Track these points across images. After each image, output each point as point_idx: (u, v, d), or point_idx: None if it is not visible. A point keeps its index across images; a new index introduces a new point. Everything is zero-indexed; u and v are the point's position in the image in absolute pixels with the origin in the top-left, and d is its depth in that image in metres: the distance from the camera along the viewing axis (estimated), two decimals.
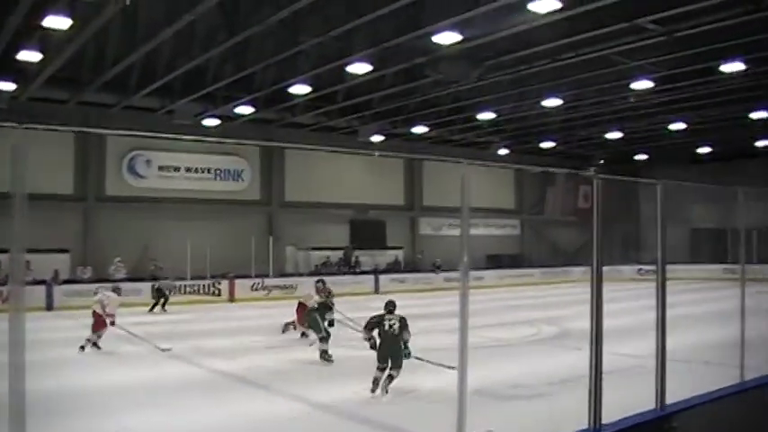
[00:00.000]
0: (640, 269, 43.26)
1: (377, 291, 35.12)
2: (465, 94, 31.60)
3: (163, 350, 16.00)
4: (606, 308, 6.46)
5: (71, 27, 19.04)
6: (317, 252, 38.16)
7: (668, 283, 7.28)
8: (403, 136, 38.72)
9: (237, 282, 32.37)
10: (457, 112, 34.82)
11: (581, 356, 6.62)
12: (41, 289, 27.17)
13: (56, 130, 30.36)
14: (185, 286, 30.18)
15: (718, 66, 25.37)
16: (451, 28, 20.40)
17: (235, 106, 30.25)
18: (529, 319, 22.45)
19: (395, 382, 11.18)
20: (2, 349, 4.64)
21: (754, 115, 34.34)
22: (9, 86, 25.68)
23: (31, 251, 21.79)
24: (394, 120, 35.43)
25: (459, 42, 21.62)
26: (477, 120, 35.73)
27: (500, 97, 31.65)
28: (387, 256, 41.37)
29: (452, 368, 13.76)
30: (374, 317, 11.62)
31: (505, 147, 43.06)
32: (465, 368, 5.98)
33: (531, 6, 18.32)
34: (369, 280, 36.32)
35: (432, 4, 19.35)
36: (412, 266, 41.70)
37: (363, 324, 11.85)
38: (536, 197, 51.30)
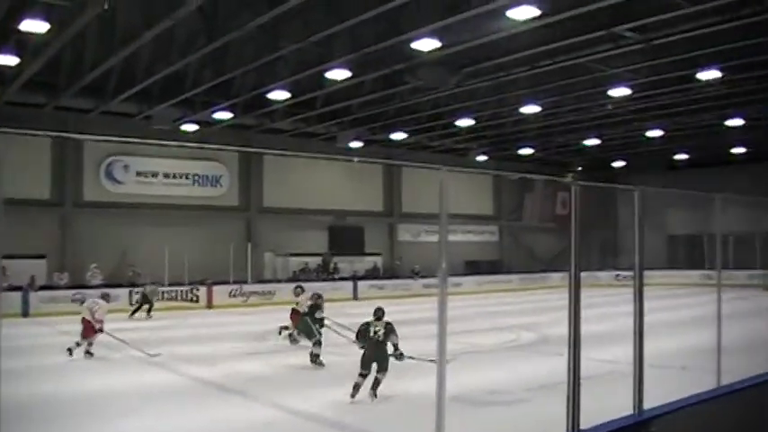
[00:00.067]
0: (618, 275, 43.47)
1: (355, 297, 35.09)
2: (444, 101, 31.70)
3: (152, 356, 16.01)
4: (584, 314, 6.49)
5: (48, 31, 18.95)
6: (296, 258, 38.06)
7: (646, 288, 7.32)
8: (382, 142, 38.75)
9: (216, 288, 32.25)
10: (436, 119, 34.89)
11: (559, 362, 6.64)
12: (17, 295, 26.90)
13: (33, 135, 30.10)
14: (163, 293, 30.00)
15: (695, 73, 25.62)
16: (431, 35, 20.47)
17: (213, 112, 30.16)
18: (507, 326, 22.50)
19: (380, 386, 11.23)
20: None
21: (730, 122, 34.68)
22: None
23: (7, 257, 21.72)
24: (373, 126, 35.45)
25: (438, 49, 21.70)
26: (455, 126, 35.82)
27: (479, 104, 31.80)
28: (365, 263, 41.33)
29: (447, 361, 13.86)
30: (363, 324, 11.67)
31: (484, 153, 43.14)
32: (443, 374, 5.98)
33: (509, 14, 18.40)
34: (347, 286, 36.27)
35: (411, 10, 19.36)
36: (390, 273, 41.68)
37: (352, 330, 11.89)
38: (514, 203, 51.45)
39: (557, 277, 41.17)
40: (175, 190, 35.30)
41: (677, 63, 24.66)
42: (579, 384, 6.36)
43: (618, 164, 49.40)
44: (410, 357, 11.66)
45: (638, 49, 22.60)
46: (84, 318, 16.55)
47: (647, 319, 7.20)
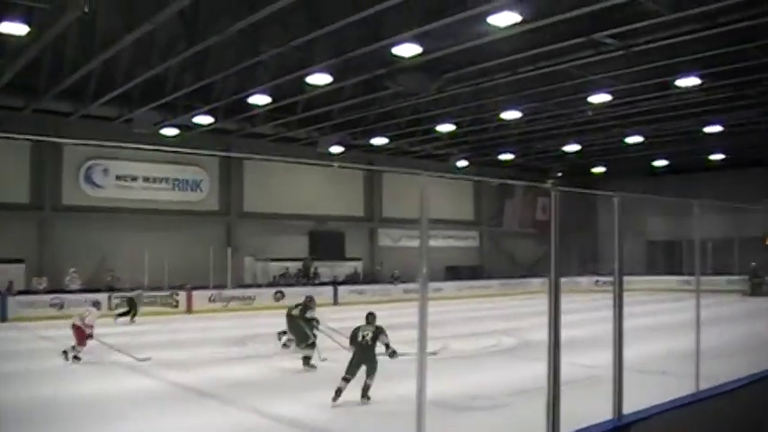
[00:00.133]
0: (597, 280, 43.70)
1: (336, 302, 35.03)
2: (424, 106, 31.73)
3: (141, 360, 16.00)
4: (564, 319, 6.50)
5: (28, 34, 18.85)
6: (276, 263, 37.97)
7: (625, 294, 7.35)
8: (362, 147, 38.76)
9: (195, 293, 32.10)
10: (416, 124, 34.95)
11: (539, 367, 6.65)
12: None
13: (11, 138, 29.92)
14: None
15: (674, 80, 25.82)
16: (411, 40, 20.51)
17: (194, 116, 30.05)
18: (488, 331, 22.53)
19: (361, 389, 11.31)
20: None
21: (709, 129, 34.95)
22: None
23: None
24: (353, 131, 35.45)
25: (419, 54, 21.73)
26: (436, 132, 35.90)
27: (459, 109, 31.90)
28: (346, 268, 41.25)
29: (434, 353, 13.94)
30: (354, 329, 11.79)
31: (464, 159, 43.26)
32: (424, 380, 5.97)
33: (490, 20, 18.47)
34: (328, 291, 36.20)
35: (392, 16, 19.39)
36: (371, 278, 41.65)
37: (343, 335, 11.95)
38: (495, 209, 51.55)
39: (537, 282, 41.30)
40: (155, 194, 35.16)
41: (657, 70, 24.86)
42: (559, 389, 6.38)
43: (598, 170, 49.62)
44: (403, 354, 11.68)
45: (619, 56, 22.72)
46: (73, 324, 16.61)
47: (626, 324, 7.23)
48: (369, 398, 11.36)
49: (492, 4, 17.42)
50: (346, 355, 11.82)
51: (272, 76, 25.06)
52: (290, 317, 17.12)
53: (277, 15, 18.77)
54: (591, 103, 29.86)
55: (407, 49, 21.32)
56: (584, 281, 44.46)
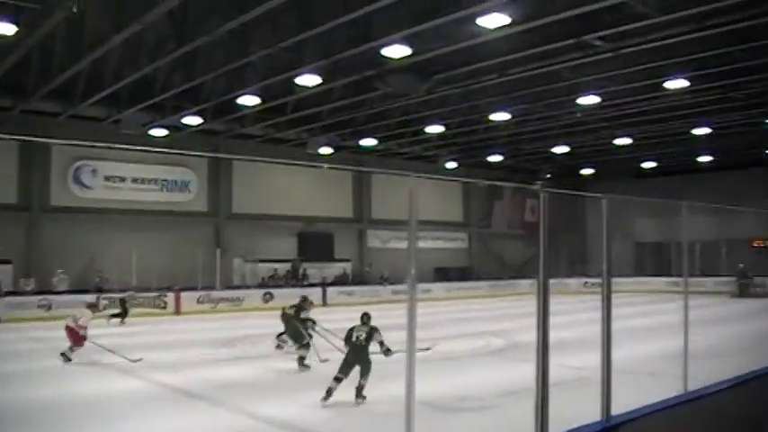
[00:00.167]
0: (586, 282, 43.79)
1: (324, 303, 34.97)
2: (414, 108, 31.74)
3: (133, 361, 16.02)
4: (553, 320, 6.50)
5: (16, 33, 18.78)
6: (265, 264, 37.91)
7: (614, 295, 7.36)
8: (352, 148, 38.74)
9: (184, 294, 32.01)
10: (405, 126, 34.96)
11: (528, 368, 6.66)
12: None
13: None
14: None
15: (663, 82, 25.88)
16: (401, 41, 20.51)
17: (182, 116, 29.99)
18: (477, 332, 22.52)
19: (350, 388, 11.31)
20: None
21: (697, 131, 35.09)
22: None
23: None
24: (343, 132, 35.44)
25: (408, 56, 21.74)
26: (425, 133, 35.90)
27: (449, 111, 31.91)
28: (334, 269, 41.24)
29: (428, 349, 13.90)
30: (349, 329, 11.88)
31: (454, 160, 43.27)
32: (413, 381, 5.97)
33: (480, 21, 18.49)
34: (316, 293, 36.04)
35: (382, 17, 19.38)
36: (360, 279, 41.64)
37: (338, 336, 12.00)
38: (484, 210, 51.60)
39: (526, 284, 41.31)
40: (144, 195, 35.05)
41: (646, 72, 24.93)
42: (548, 390, 6.38)
43: (587, 171, 49.77)
44: (399, 351, 11.70)
45: (608, 58, 22.78)
46: (67, 325, 16.67)
47: (614, 325, 7.24)
48: (364, 397, 11.39)
49: (481, 5, 17.43)
50: (341, 357, 11.82)
51: (261, 76, 25.01)
52: (285, 317, 17.16)
53: (266, 16, 18.74)
54: (580, 105, 29.94)
55: (397, 51, 21.33)
56: (573, 282, 44.53)
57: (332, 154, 37.42)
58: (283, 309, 17.69)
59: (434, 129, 34.69)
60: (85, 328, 16.60)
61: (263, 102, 28.07)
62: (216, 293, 33.38)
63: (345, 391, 11.35)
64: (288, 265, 38.73)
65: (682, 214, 9.52)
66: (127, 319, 26.44)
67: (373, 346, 11.54)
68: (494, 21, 18.42)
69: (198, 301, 32.38)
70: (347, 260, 42.53)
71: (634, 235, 47.81)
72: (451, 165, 43.62)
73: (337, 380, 11.35)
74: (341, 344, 12.45)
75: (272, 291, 34.92)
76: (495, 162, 44.28)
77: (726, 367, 10.09)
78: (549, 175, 48.44)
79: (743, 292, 38.67)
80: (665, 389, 8.47)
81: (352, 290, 38.18)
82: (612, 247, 7.60)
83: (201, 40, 20.20)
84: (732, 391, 8.98)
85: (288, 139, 36.28)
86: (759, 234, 39.21)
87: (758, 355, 11.21)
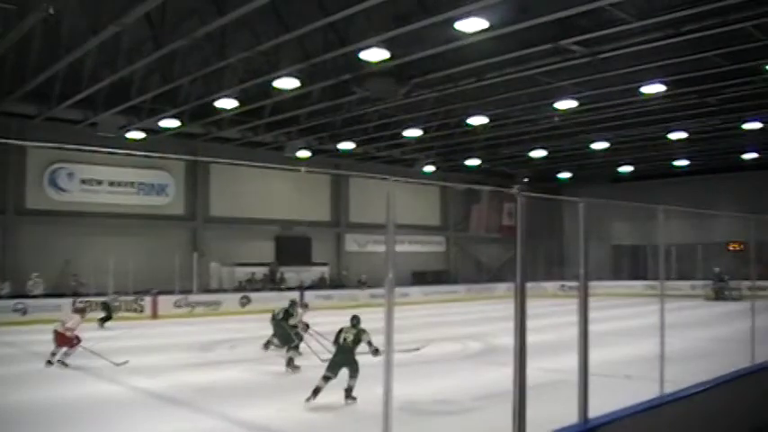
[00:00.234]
0: (563, 285, 43.95)
1: (302, 307, 34.83)
2: (391, 111, 31.77)
3: (118, 364, 15.95)
4: (531, 324, 6.52)
5: None
6: (242, 268, 37.78)
7: (591, 299, 7.39)
8: (329, 152, 38.72)
9: (161, 298, 31.80)
10: (383, 129, 34.97)
11: (506, 372, 6.68)
12: None
13: None
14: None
15: (639, 87, 26.04)
16: (379, 45, 20.51)
17: (160, 119, 29.88)
18: (454, 336, 22.55)
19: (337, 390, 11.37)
20: None
21: (673, 136, 35.33)
22: None
23: None
24: (320, 135, 35.47)
25: (386, 59, 21.74)
26: (403, 137, 35.91)
27: (426, 115, 31.96)
28: (312, 273, 41.15)
29: (417, 349, 13.85)
30: (339, 330, 11.97)
31: (431, 164, 43.31)
32: (390, 385, 5.97)
33: (457, 26, 18.52)
34: (294, 296, 35.97)
35: (360, 21, 19.41)
36: (337, 283, 41.58)
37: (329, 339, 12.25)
38: (461, 214, 51.72)
39: (503, 287, 41.44)
40: (121, 198, 34.82)
41: (622, 77, 25.08)
42: (525, 393, 6.40)
43: (564, 175, 50.01)
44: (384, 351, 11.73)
45: (585, 63, 22.89)
46: (55, 330, 16.59)
47: (591, 328, 7.27)
48: (354, 398, 11.45)
49: (459, 10, 17.47)
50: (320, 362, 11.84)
51: (239, 79, 24.98)
52: (274, 321, 17.22)
53: (244, 19, 18.74)
54: (557, 109, 30.06)
55: (375, 54, 21.32)
56: (550, 286, 44.65)
57: (310, 157, 37.41)
58: (273, 312, 17.71)
59: (412, 132, 34.70)
60: (73, 330, 16.52)
61: (241, 105, 27.99)
62: (193, 297, 33.21)
63: (336, 393, 11.40)
64: (265, 269, 38.63)
65: (658, 218, 9.56)
66: (104, 324, 26.27)
67: (363, 347, 11.56)
68: (472, 25, 18.46)
69: (175, 305, 32.17)
70: (325, 264, 42.45)
71: (611, 238, 48.08)
72: (429, 168, 43.65)
73: (326, 378, 11.43)
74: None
75: (249, 295, 34.84)
76: (472, 166, 44.38)
77: (701, 370, 10.17)
78: (526, 179, 48.57)
79: (718, 295, 38.94)
80: (641, 391, 8.51)
81: (330, 293, 38.13)
82: (589, 250, 7.63)
83: (179, 42, 20.15)
84: (708, 393, 9.04)
85: (266, 142, 36.21)
86: (734, 238, 39.48)
87: (733, 357, 11.30)
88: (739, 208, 37.59)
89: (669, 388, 8.70)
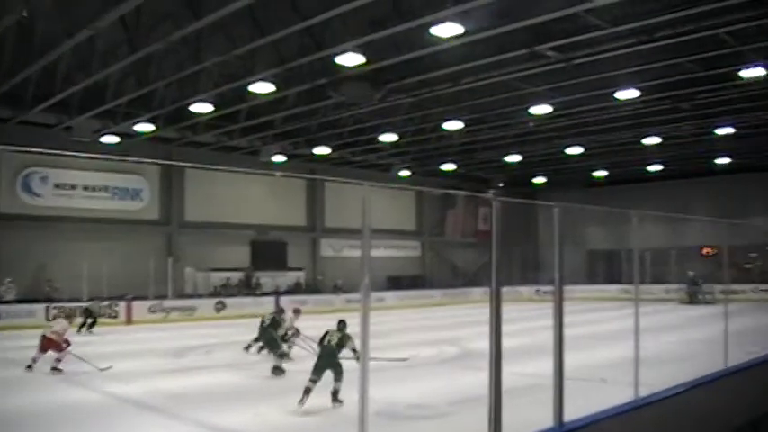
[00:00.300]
0: (538, 290, 44.05)
1: (294, 312, 34.72)
2: (367, 116, 31.75)
3: (102, 369, 15.94)
4: (506, 328, 6.54)
5: None
6: (217, 273, 37.65)
7: (566, 303, 7.42)
8: (305, 156, 38.68)
9: (135, 303, 31.58)
10: (359, 134, 34.97)
11: (482, 376, 6.69)
12: None
13: None
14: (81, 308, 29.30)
15: (614, 93, 26.19)
16: (354, 50, 20.52)
17: (134, 124, 29.68)
18: (430, 340, 22.56)
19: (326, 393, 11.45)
20: None
21: (647, 141, 35.56)
22: None
23: None
24: (296, 140, 35.40)
25: (362, 64, 21.74)
26: (378, 141, 35.93)
27: (402, 120, 31.99)
28: (288, 278, 41.05)
29: (405, 359, 13.84)
30: (325, 333, 12.12)
31: (407, 168, 43.37)
32: (366, 390, 5.97)
33: (433, 31, 18.55)
34: (269, 302, 35.94)
35: (335, 25, 19.41)
36: (313, 288, 41.48)
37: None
38: (436, 219, 51.80)
39: (478, 292, 41.50)
40: (95, 203, 34.58)
41: (597, 82, 25.22)
42: (501, 397, 6.41)
43: (539, 180, 50.21)
44: (372, 358, 11.76)
45: (559, 69, 23.01)
46: (44, 335, 16.58)
47: (566, 332, 7.30)
48: (340, 402, 11.46)
49: (435, 15, 17.51)
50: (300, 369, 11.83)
51: (214, 84, 24.90)
52: (261, 326, 17.22)
53: (220, 23, 18.69)
54: (532, 115, 30.17)
55: (350, 59, 21.33)
56: (526, 290, 44.78)
57: (285, 162, 37.34)
58: (262, 317, 17.70)
59: (388, 137, 34.74)
60: (61, 335, 16.53)
61: (216, 109, 27.88)
62: (168, 303, 33.02)
63: (323, 396, 11.44)
64: (241, 274, 38.50)
65: (632, 223, 9.63)
66: (75, 328, 26.04)
67: (348, 352, 11.57)
68: (447, 30, 18.50)
69: (149, 311, 31.97)
70: (300, 269, 42.37)
71: (586, 243, 48.32)
72: (405, 173, 43.71)
73: (312, 381, 11.50)
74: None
75: (224, 300, 34.71)
76: (448, 171, 44.45)
77: (675, 373, 10.23)
78: (501, 184, 48.72)
79: (692, 299, 39.20)
80: (616, 395, 8.56)
81: (306, 299, 37.98)
82: (564, 254, 7.67)
83: (154, 46, 20.05)
84: (682, 396, 9.10)
85: (241, 146, 36.10)
86: (708, 242, 39.74)
87: (707, 360, 11.38)
88: (712, 212, 37.99)
89: (644, 391, 8.75)
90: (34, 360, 16.23)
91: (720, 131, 33.29)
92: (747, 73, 23.30)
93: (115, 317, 30.65)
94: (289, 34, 19.19)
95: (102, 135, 30.49)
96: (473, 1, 16.69)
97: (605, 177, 47.74)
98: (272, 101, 27.28)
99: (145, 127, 30.30)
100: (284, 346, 16.23)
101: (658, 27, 19.11)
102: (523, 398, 10.18)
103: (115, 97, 26.03)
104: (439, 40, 19.55)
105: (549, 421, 7.10)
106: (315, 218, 44.28)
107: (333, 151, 37.78)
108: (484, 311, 6.74)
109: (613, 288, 40.41)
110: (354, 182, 6.40)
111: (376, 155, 40.55)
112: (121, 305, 31.01)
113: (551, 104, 28.38)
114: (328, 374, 11.61)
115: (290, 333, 17.06)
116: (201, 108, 27.59)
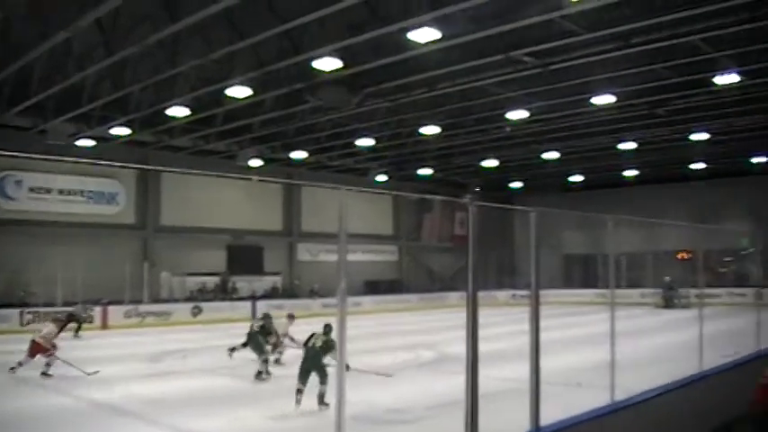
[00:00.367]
0: (515, 294, 44.18)
1: (254, 317, 34.56)
2: (344, 121, 31.75)
3: (90, 374, 15.89)
4: (482, 332, 6.55)
5: None
6: (193, 278, 37.45)
7: (542, 307, 7.45)
8: (282, 161, 38.62)
9: (111, 308, 31.38)
10: (336, 138, 34.97)
11: (459, 380, 6.70)
12: None
13: None
14: (55, 313, 28.99)
15: (590, 98, 26.32)
16: (332, 54, 20.51)
17: (110, 127, 29.49)
18: (407, 344, 22.57)
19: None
20: None
21: (623, 146, 35.76)
22: None
23: None
24: (273, 144, 35.34)
25: (339, 69, 21.74)
26: (356, 146, 35.91)
27: (379, 124, 32.00)
28: (264, 282, 40.91)
29: (389, 375, 13.87)
30: (310, 335, 12.25)
31: (384, 173, 43.35)
32: (343, 394, 5.97)
33: (410, 36, 18.57)
34: (246, 306, 35.85)
35: (313, 30, 19.39)
36: (290, 292, 41.34)
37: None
38: (413, 223, 51.85)
39: (455, 296, 41.51)
40: (70, 207, 34.29)
41: (573, 88, 25.36)
42: (477, 402, 6.42)
43: (515, 185, 50.38)
44: (354, 369, 11.86)
45: (536, 74, 23.10)
46: (33, 339, 16.58)
47: (543, 336, 7.33)
48: (327, 405, 11.46)
49: (412, 20, 17.53)
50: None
51: (191, 87, 24.78)
52: (249, 332, 17.18)
53: (197, 27, 18.62)
54: (509, 120, 30.26)
55: (328, 64, 21.32)
56: (502, 294, 44.84)
57: (262, 166, 37.26)
58: (251, 323, 17.67)
59: (364, 142, 34.73)
60: (49, 339, 16.53)
61: (193, 113, 27.75)
62: (143, 307, 32.84)
63: (309, 399, 11.53)
64: (217, 279, 38.34)
65: (608, 227, 9.67)
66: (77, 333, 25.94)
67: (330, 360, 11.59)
68: (424, 35, 18.52)
69: (125, 316, 31.76)
70: (277, 273, 42.27)
71: (562, 247, 48.53)
72: (382, 178, 43.69)
73: (300, 386, 11.67)
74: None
75: (200, 305, 34.58)
76: (424, 175, 44.56)
77: (651, 377, 10.28)
78: (478, 189, 48.72)
79: (668, 303, 39.48)
80: (592, 398, 8.59)
81: (282, 303, 37.85)
82: (541, 259, 7.70)
83: (130, 49, 19.94)
84: (658, 399, 9.16)
85: (218, 150, 35.98)
86: (683, 246, 40.01)
87: (682, 363, 11.45)
88: (688, 217, 38.25)
89: (620, 395, 8.79)
90: (20, 363, 16.17)
91: (695, 137, 33.57)
92: (722, 79, 23.52)
93: (90, 322, 30.40)
94: (266, 38, 19.15)
95: (78, 138, 30.27)
96: (450, 6, 16.73)
97: (581, 182, 48.03)
98: (250, 105, 27.19)
99: (121, 130, 30.12)
100: (270, 352, 16.21)
101: (634, 33, 19.24)
102: (500, 402, 10.21)
103: (91, 100, 25.85)
104: (416, 45, 19.58)
105: (525, 425, 7.12)
106: (291, 222, 44.20)
107: (310, 155, 37.71)
108: (461, 316, 6.76)
109: (589, 292, 40.61)
110: (331, 186, 6.42)
111: (353, 159, 40.58)
112: (97, 310, 30.78)
113: (528, 109, 28.47)
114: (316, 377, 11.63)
115: (283, 339, 17.14)
116: (178, 112, 27.43)
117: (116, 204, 36.14)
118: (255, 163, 36.43)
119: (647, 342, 20.79)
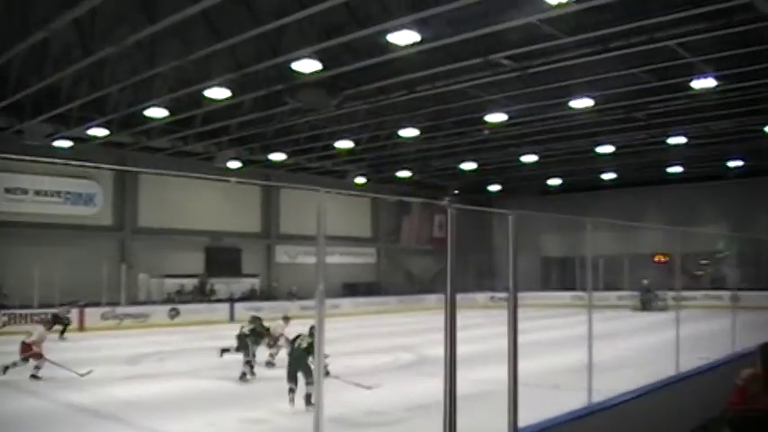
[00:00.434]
0: (493, 296, 44.26)
1: (232, 319, 34.58)
2: (323, 123, 31.75)
3: (82, 375, 15.88)
4: (461, 334, 6.55)
5: None
6: (171, 280, 37.30)
7: (520, 309, 7.46)
8: (260, 162, 38.55)
9: (87, 310, 31.20)
10: (315, 140, 34.94)
11: (437, 382, 6.70)
12: None
13: None
14: (32, 315, 28.81)
15: (568, 101, 26.41)
16: (311, 56, 20.49)
17: (88, 128, 29.32)
18: (385, 347, 22.58)
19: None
20: None
21: (601, 149, 35.95)
22: None
23: None
24: (251, 146, 35.26)
25: (318, 71, 21.73)
26: (334, 148, 35.90)
27: (358, 126, 32.05)
28: (242, 284, 40.84)
29: (370, 387, 13.90)
30: (297, 335, 12.44)
31: (363, 175, 43.38)
32: (321, 396, 5.96)
33: (390, 38, 18.59)
34: (224, 308, 35.79)
35: (292, 31, 19.36)
36: (268, 294, 41.24)
37: None
38: (392, 226, 51.88)
39: (434, 299, 41.54)
40: (47, 208, 34.07)
41: (551, 91, 25.46)
42: (455, 404, 6.43)
43: (494, 188, 50.53)
44: (335, 377, 11.96)
45: (515, 77, 23.18)
46: (23, 341, 16.71)
47: (520, 339, 7.34)
48: (314, 405, 11.34)
49: (391, 22, 17.56)
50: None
51: (169, 89, 24.67)
52: (239, 335, 17.12)
53: (175, 28, 18.53)
54: (487, 123, 30.35)
55: (307, 65, 21.31)
56: (481, 297, 44.92)
57: (240, 168, 37.18)
58: (241, 327, 17.61)
59: (343, 144, 34.72)
60: (38, 343, 16.62)
61: (172, 114, 27.66)
62: (121, 309, 32.70)
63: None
64: (195, 281, 38.21)
65: (586, 230, 9.71)
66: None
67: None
68: (404, 38, 18.56)
69: (102, 318, 31.62)
70: (255, 275, 42.18)
71: (540, 250, 48.71)
72: (360, 180, 43.72)
73: (291, 387, 11.81)
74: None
75: (178, 307, 34.44)
76: (403, 178, 44.61)
77: (629, 379, 10.33)
78: (456, 191, 48.95)
79: (645, 305, 39.68)
80: (570, 401, 8.62)
81: (260, 305, 37.79)
82: (519, 262, 7.71)
83: (108, 50, 19.83)
84: (635, 401, 9.19)
85: (196, 152, 35.85)
86: (660, 249, 40.23)
87: (659, 366, 11.51)
88: (665, 220, 38.54)
89: (597, 397, 8.82)
90: (14, 364, 16.18)
91: (673, 141, 33.79)
92: (699, 83, 23.69)
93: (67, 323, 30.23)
94: (245, 40, 19.10)
95: (55, 139, 30.10)
96: (430, 9, 16.77)
97: (560, 185, 48.23)
98: (228, 106, 27.12)
99: (98, 131, 29.96)
100: (255, 355, 16.18)
101: (612, 37, 19.35)
102: (479, 404, 10.22)
103: (68, 101, 25.68)
104: (395, 48, 19.61)
105: (503, 427, 7.13)
106: (270, 224, 44.12)
107: (288, 157, 37.66)
108: (439, 318, 6.76)
109: (567, 294, 40.74)
110: (310, 188, 6.40)
111: (332, 161, 40.56)
112: (74, 312, 30.55)
113: (506, 113, 28.57)
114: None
115: (279, 342, 17.21)
116: (156, 113, 27.32)
117: (93, 206, 35.94)
118: (234, 164, 36.34)
119: (624, 344, 20.89)
